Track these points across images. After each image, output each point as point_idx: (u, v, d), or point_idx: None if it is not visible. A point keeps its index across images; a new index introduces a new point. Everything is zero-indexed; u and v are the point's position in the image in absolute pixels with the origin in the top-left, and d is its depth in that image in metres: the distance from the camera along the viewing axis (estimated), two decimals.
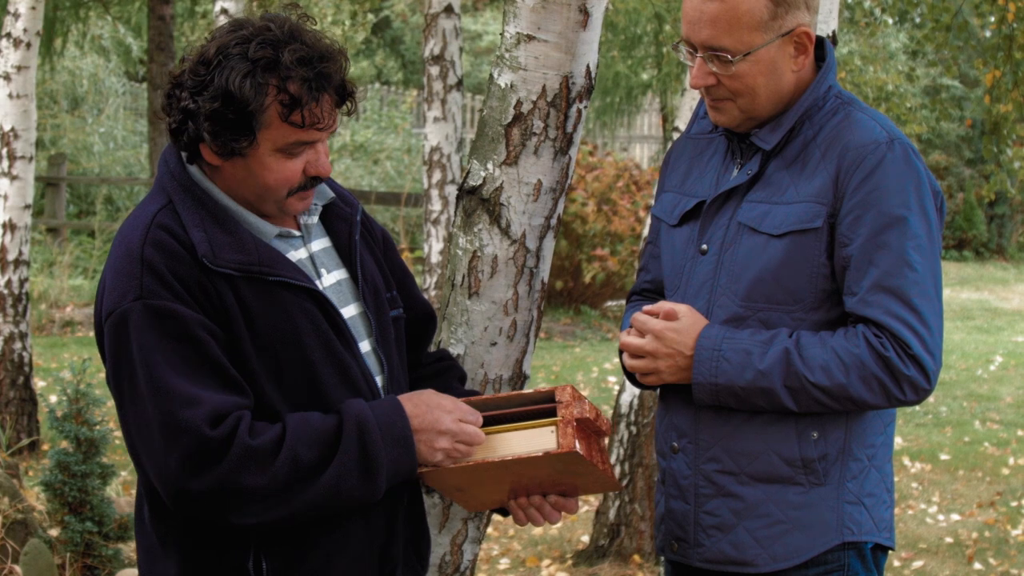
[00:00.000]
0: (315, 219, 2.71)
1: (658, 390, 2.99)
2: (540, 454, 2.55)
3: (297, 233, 2.68)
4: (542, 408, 2.62)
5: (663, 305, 2.83)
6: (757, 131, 2.84)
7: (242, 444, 2.42)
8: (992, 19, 9.50)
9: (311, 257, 2.68)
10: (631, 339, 2.84)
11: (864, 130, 2.77)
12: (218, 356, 2.47)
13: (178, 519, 2.56)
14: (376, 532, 2.66)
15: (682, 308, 2.82)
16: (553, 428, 2.58)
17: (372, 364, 2.68)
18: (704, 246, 2.86)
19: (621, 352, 2.90)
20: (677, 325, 2.80)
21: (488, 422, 2.62)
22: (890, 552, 2.96)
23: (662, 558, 3.01)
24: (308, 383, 2.55)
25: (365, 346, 2.68)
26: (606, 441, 2.80)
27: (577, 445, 2.55)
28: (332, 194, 2.74)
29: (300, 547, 2.57)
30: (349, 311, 2.68)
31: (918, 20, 10.99)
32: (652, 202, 6.85)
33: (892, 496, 2.90)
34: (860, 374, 2.71)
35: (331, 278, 2.69)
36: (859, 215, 2.72)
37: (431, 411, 2.56)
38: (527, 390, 2.67)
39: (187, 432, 2.42)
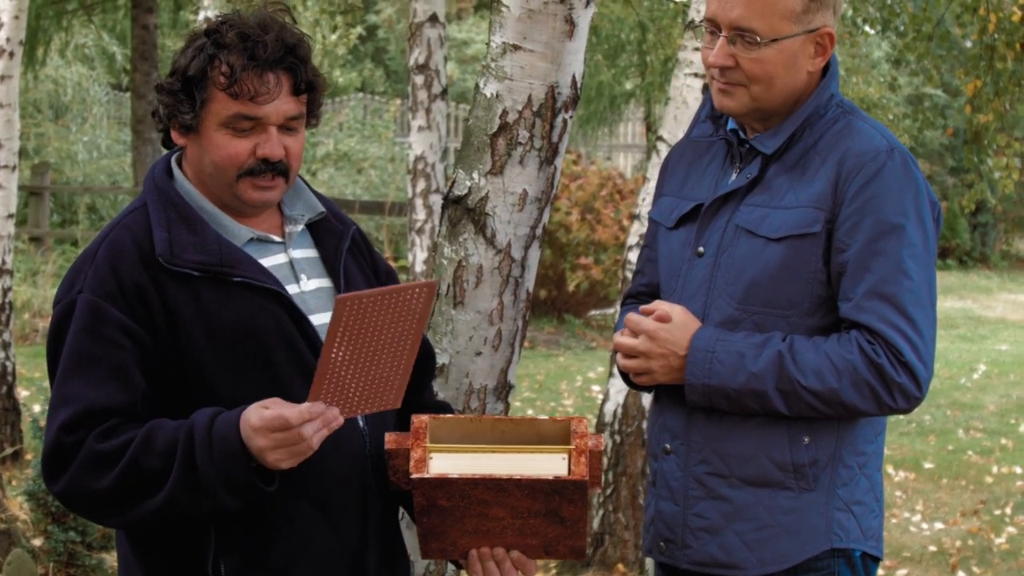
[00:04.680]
0: (299, 227, 2.72)
1: (652, 392, 3.00)
2: (550, 477, 2.49)
3: (278, 239, 2.69)
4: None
5: (657, 305, 2.85)
6: (758, 135, 2.86)
7: (87, 448, 2.47)
8: (973, 28, 9.52)
9: (291, 263, 2.69)
10: (625, 339, 2.86)
11: (865, 138, 2.80)
12: (122, 360, 2.50)
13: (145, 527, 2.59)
14: (348, 539, 2.64)
15: (676, 309, 2.83)
16: (566, 455, 2.52)
17: None
18: (701, 248, 2.88)
19: (615, 352, 2.91)
20: (671, 326, 2.81)
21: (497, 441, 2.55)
22: None
23: (647, 563, 3.01)
24: (271, 383, 2.55)
25: None
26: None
27: (587, 477, 2.49)
28: (323, 210, 2.75)
29: (259, 547, 2.56)
30: (327, 317, 2.67)
31: (901, 28, 11.02)
32: (636, 211, 6.86)
33: (881, 506, 2.90)
34: (852, 379, 2.72)
35: (311, 284, 2.69)
36: (857, 221, 2.74)
37: (248, 416, 2.42)
38: (542, 416, 2.59)
39: (48, 435, 2.50)
